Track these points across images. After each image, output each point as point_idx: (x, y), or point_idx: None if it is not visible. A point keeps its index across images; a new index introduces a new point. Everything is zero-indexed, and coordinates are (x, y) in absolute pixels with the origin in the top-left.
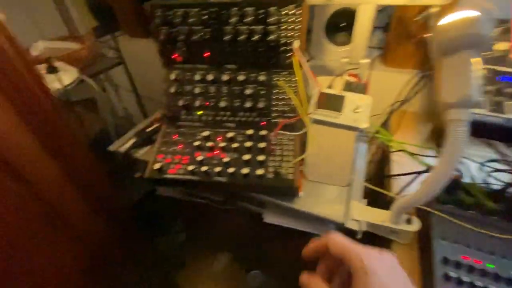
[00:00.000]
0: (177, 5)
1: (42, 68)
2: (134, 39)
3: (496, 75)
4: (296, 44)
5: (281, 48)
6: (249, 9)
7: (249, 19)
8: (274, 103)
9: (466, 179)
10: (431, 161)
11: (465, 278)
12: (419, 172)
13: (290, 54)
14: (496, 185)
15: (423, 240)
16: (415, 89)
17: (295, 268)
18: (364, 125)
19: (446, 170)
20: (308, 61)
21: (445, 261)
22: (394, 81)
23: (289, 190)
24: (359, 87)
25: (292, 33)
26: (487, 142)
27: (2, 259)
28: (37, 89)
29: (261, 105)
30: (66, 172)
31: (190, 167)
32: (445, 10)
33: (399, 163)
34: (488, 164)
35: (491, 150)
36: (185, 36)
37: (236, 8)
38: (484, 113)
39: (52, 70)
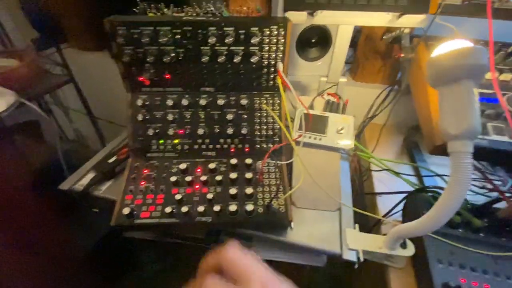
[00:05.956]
0: (145, 23)
1: None
2: (84, 52)
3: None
4: (280, 66)
5: (264, 70)
6: (229, 29)
7: (230, 39)
8: (257, 127)
9: None
10: (412, 179)
11: None
12: (408, 192)
13: (273, 76)
14: (479, 201)
15: (419, 264)
16: (385, 103)
17: None
18: (348, 146)
19: (453, 203)
20: None
21: (446, 286)
22: (364, 96)
23: (281, 224)
24: (339, 107)
25: (275, 54)
26: None
27: None
28: None
29: (244, 130)
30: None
31: (168, 209)
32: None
33: (380, 180)
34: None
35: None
36: (154, 57)
37: (214, 28)
38: None
39: None
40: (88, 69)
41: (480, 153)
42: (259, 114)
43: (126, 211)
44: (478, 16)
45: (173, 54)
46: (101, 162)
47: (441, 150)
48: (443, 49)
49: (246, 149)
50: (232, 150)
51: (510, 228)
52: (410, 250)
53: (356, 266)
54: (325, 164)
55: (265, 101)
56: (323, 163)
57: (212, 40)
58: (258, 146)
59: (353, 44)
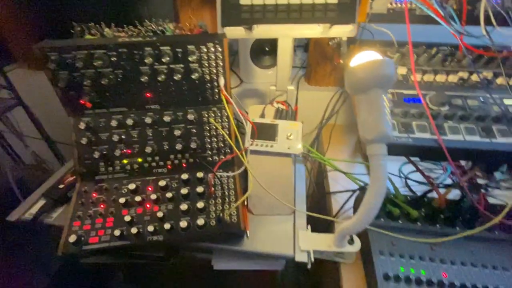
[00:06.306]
0: (77, 47)
1: None
2: (34, 72)
3: (402, 98)
4: (221, 82)
5: (208, 85)
6: (165, 48)
7: (167, 58)
8: (207, 140)
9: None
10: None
11: None
12: (353, 191)
13: (218, 89)
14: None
15: (365, 257)
16: (338, 105)
17: None
18: (297, 150)
19: (376, 199)
20: (238, 85)
21: (387, 276)
22: (319, 99)
23: (235, 234)
24: (289, 114)
25: (216, 70)
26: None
27: None
28: None
29: (193, 145)
30: None
31: (117, 231)
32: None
33: (335, 179)
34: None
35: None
36: (91, 81)
37: (150, 48)
38: (395, 135)
39: None
40: (41, 89)
41: (408, 150)
42: (208, 127)
43: (72, 238)
44: (403, 22)
45: (111, 76)
46: (51, 188)
47: None
48: (357, 60)
49: (197, 163)
50: (184, 165)
51: (443, 215)
52: (357, 245)
53: (309, 266)
54: (278, 169)
55: (213, 114)
56: (276, 169)
57: (149, 60)
58: (210, 159)
59: (307, 49)
